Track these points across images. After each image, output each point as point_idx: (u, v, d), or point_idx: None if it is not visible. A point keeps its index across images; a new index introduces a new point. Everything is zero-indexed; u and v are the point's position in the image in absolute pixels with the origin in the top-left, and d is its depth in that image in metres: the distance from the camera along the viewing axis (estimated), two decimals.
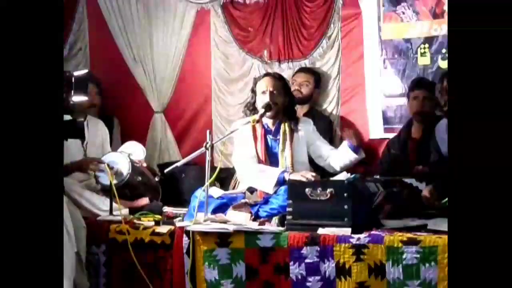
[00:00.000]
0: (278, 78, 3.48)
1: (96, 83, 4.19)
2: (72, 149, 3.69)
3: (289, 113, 3.45)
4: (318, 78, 4.29)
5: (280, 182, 3.12)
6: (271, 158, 3.34)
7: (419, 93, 3.72)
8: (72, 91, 3.30)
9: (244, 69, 4.56)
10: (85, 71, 3.79)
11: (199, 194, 3.01)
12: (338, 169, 3.36)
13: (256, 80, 3.52)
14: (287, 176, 3.11)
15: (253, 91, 3.48)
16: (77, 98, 3.62)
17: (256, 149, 3.35)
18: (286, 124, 3.40)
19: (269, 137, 3.40)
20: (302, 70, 4.31)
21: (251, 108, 3.46)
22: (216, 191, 3.25)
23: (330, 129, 4.20)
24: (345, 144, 3.40)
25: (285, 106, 3.42)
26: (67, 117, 3.48)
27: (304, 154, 3.43)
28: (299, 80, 4.22)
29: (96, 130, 3.94)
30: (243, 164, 3.31)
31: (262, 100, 3.36)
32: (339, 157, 3.40)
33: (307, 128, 3.46)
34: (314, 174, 3.10)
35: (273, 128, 3.41)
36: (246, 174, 3.29)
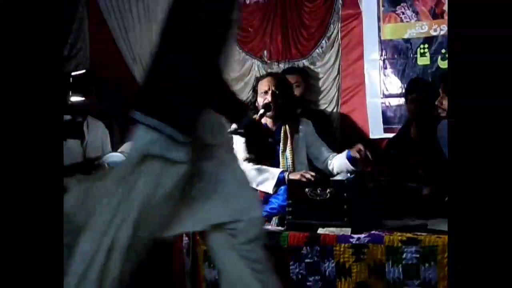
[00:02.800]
0: (280, 79, 3.48)
1: (96, 84, 4.16)
2: (72, 150, 3.70)
3: (290, 114, 3.45)
4: (305, 77, 4.28)
5: (280, 182, 3.13)
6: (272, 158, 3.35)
7: (416, 96, 3.72)
8: (70, 92, 3.31)
9: (244, 69, 4.57)
10: (83, 71, 3.81)
11: None
12: (334, 173, 3.36)
13: (258, 80, 3.51)
14: (287, 176, 3.11)
15: (254, 90, 3.47)
16: (76, 98, 3.65)
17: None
18: (287, 125, 3.41)
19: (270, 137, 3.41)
20: (290, 71, 4.27)
21: (251, 107, 3.45)
22: None
23: (329, 128, 4.20)
24: (345, 153, 3.30)
25: (286, 107, 3.41)
26: (66, 117, 3.50)
27: (304, 154, 3.43)
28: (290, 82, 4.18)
29: (96, 131, 3.94)
30: (243, 165, 3.32)
31: (264, 100, 3.35)
32: (337, 163, 3.35)
33: (306, 129, 3.46)
34: (313, 173, 3.10)
35: (274, 128, 3.42)
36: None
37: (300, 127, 3.45)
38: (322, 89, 4.39)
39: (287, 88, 3.45)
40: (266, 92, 3.36)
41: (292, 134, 3.40)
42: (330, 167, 3.40)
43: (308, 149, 3.45)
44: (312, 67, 4.41)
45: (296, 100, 3.61)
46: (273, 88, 3.35)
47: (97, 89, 4.19)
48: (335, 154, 3.44)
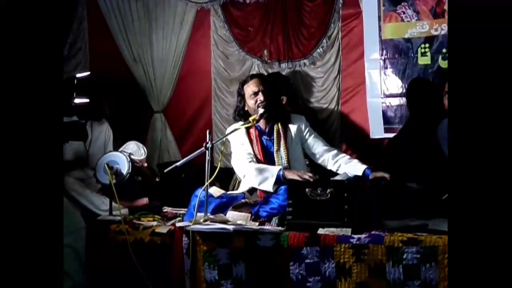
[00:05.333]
0: (266, 79, 3.51)
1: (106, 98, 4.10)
2: (75, 148, 3.70)
3: (280, 112, 3.46)
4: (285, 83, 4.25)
5: (279, 179, 3.12)
6: (268, 159, 3.35)
7: (417, 96, 3.72)
8: (74, 94, 3.32)
9: (244, 69, 4.56)
10: (88, 73, 3.81)
11: (199, 194, 3.01)
12: (335, 171, 3.34)
13: (242, 84, 3.49)
14: (282, 172, 3.11)
15: (241, 94, 3.45)
16: (80, 100, 3.65)
17: (254, 151, 3.36)
18: (279, 124, 3.41)
19: (264, 138, 3.41)
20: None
21: (241, 113, 3.44)
22: (216, 191, 3.25)
23: (319, 123, 4.19)
24: (363, 167, 3.24)
25: (277, 105, 3.45)
26: (71, 119, 3.50)
27: (299, 151, 3.43)
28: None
29: (100, 130, 3.94)
30: (242, 166, 3.32)
31: (255, 101, 3.35)
32: (345, 167, 3.30)
33: (299, 125, 3.45)
34: (311, 174, 3.09)
35: (266, 129, 3.42)
36: (246, 176, 3.29)
37: (293, 126, 3.45)
38: (322, 88, 4.39)
39: (274, 87, 3.49)
40: (255, 94, 3.36)
41: (284, 132, 3.40)
42: (330, 166, 3.37)
43: (304, 145, 3.44)
44: (312, 66, 4.41)
45: (280, 97, 3.63)
46: (262, 88, 3.36)
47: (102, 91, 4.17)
48: (334, 150, 3.41)
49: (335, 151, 3.40)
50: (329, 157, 3.37)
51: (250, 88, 3.39)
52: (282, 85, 4.12)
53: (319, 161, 3.42)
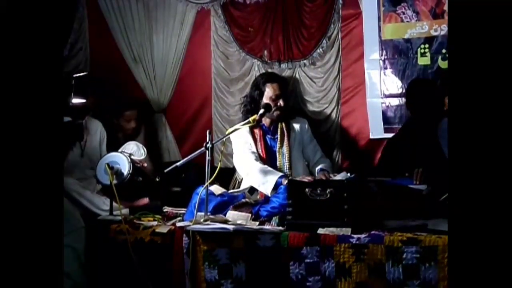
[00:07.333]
0: (287, 82, 3.53)
1: (94, 92, 4.08)
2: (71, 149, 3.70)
3: (290, 113, 3.48)
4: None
5: (278, 186, 3.13)
6: (271, 158, 3.36)
7: (417, 96, 3.72)
8: (72, 93, 3.32)
9: (244, 69, 4.56)
10: (85, 73, 3.80)
11: (200, 191, 3.01)
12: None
13: (265, 81, 3.51)
14: (284, 182, 3.11)
15: (261, 90, 3.48)
16: (77, 100, 3.65)
17: (257, 150, 3.37)
18: (283, 124, 3.42)
19: (268, 137, 3.42)
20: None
21: (253, 107, 3.46)
22: (217, 189, 3.26)
23: (319, 123, 4.20)
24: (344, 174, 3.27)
25: (289, 108, 3.48)
26: (66, 119, 3.50)
27: (300, 151, 3.45)
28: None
29: (95, 131, 3.94)
30: (246, 164, 3.33)
31: (276, 103, 3.40)
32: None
33: (302, 127, 3.48)
34: (310, 178, 3.10)
35: (271, 128, 3.43)
36: (249, 174, 3.30)
37: (295, 124, 3.46)
38: (322, 89, 4.38)
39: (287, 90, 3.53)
40: (277, 96, 3.40)
41: (288, 131, 3.41)
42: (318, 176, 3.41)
43: (304, 149, 3.47)
44: (312, 67, 4.41)
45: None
46: (283, 93, 3.41)
47: (97, 90, 4.17)
48: (324, 159, 3.47)
49: (323, 159, 3.45)
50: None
51: (273, 90, 3.43)
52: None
53: (312, 169, 3.46)
